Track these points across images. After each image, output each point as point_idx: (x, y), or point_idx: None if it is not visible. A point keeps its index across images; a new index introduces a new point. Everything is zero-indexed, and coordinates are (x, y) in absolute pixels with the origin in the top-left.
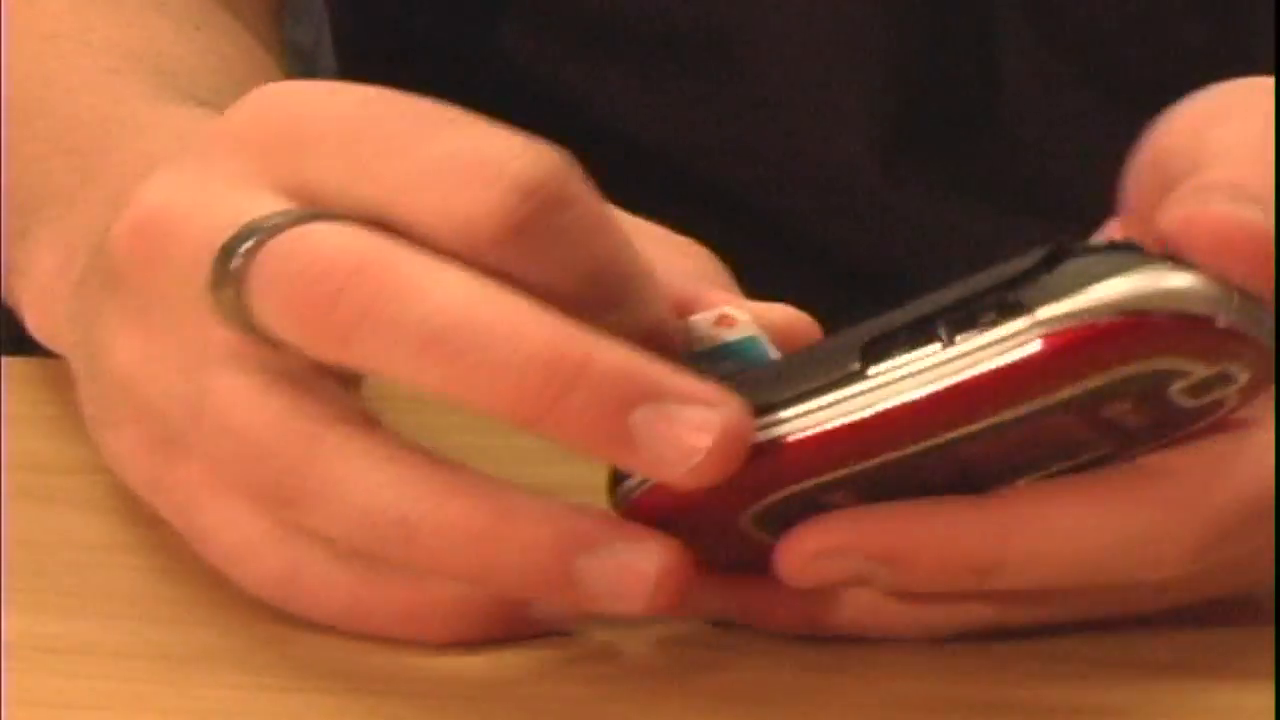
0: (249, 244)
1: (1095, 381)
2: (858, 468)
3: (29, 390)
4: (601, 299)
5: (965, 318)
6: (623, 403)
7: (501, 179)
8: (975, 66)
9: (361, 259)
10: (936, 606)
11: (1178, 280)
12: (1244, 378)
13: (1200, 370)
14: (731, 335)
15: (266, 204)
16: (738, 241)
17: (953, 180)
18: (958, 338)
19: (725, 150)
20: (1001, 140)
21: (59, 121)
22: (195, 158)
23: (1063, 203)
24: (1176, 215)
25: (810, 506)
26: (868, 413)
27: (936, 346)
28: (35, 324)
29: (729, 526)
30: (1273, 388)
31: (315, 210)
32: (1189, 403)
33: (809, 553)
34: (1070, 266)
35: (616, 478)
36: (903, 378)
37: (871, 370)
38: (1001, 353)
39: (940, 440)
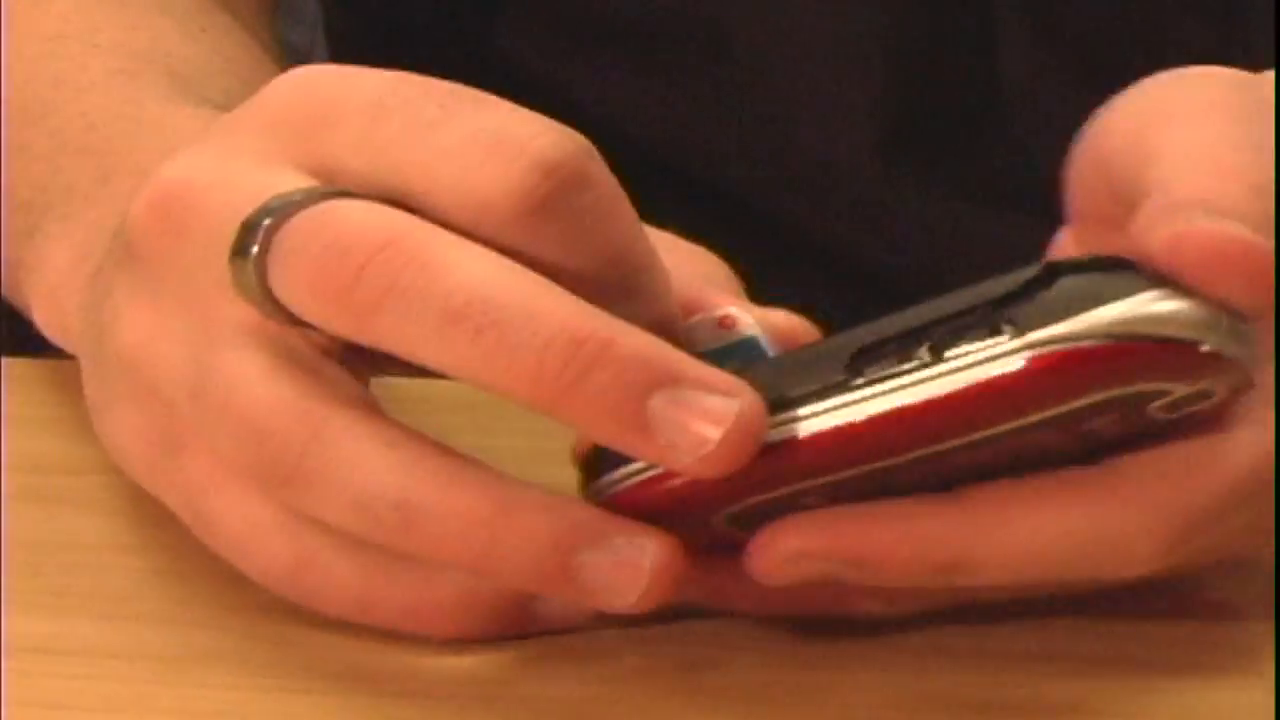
0: (272, 218)
1: (1079, 402)
2: (836, 476)
3: (28, 391)
4: (613, 286)
5: (955, 333)
6: (642, 387)
7: (522, 157)
8: (975, 66)
9: (388, 235)
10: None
11: (1165, 305)
12: (1222, 392)
13: (1181, 390)
14: (733, 336)
15: (289, 180)
16: (737, 241)
17: (952, 180)
18: (947, 353)
19: (724, 149)
20: (1001, 140)
21: (69, 121)
22: (219, 136)
23: (1062, 202)
24: (1163, 235)
25: (786, 509)
26: (850, 423)
27: (924, 361)
28: (44, 319)
29: (702, 525)
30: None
31: (339, 188)
32: (1166, 416)
33: (780, 556)
34: (1062, 285)
35: (591, 472)
36: (888, 391)
37: (858, 381)
38: (988, 372)
39: (920, 453)
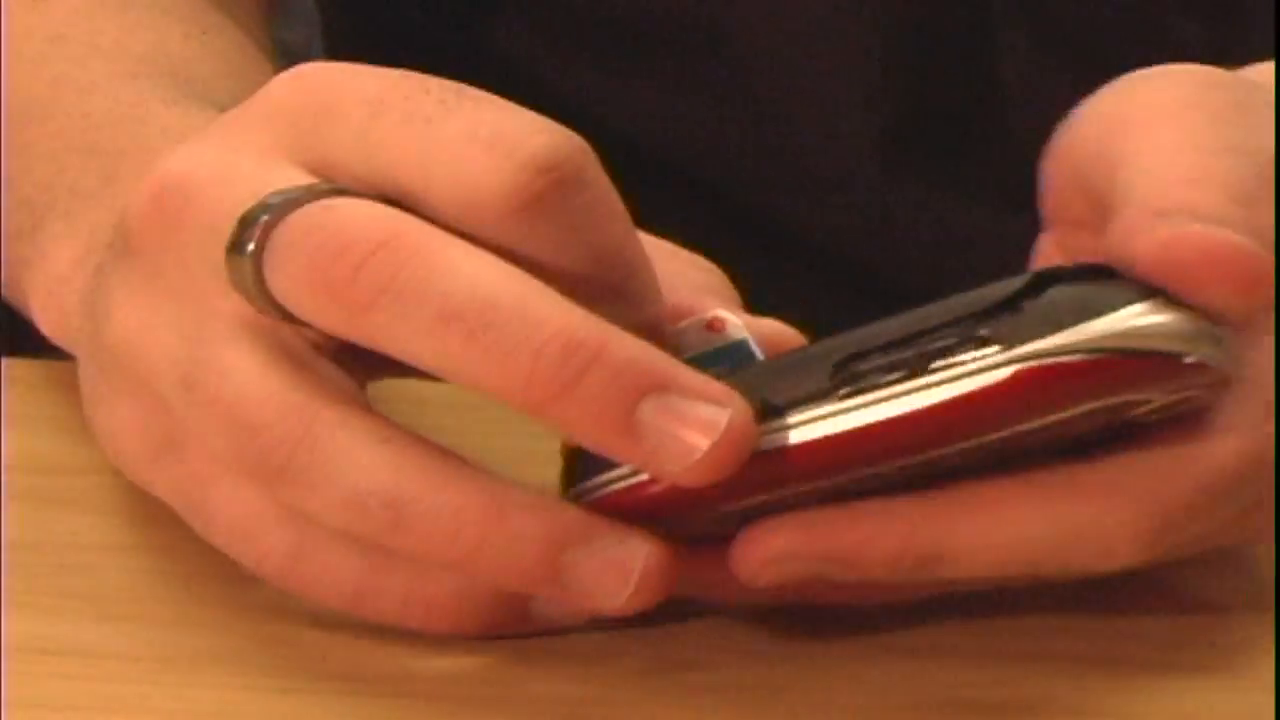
0: (270, 214)
1: (1064, 414)
2: (821, 483)
3: (27, 391)
4: (603, 287)
5: (943, 344)
6: (633, 393)
7: (518, 154)
8: (973, 66)
9: (387, 233)
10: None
11: (1151, 319)
12: (1202, 395)
13: (1164, 398)
14: (721, 339)
15: (288, 176)
16: (735, 241)
17: (951, 180)
18: (934, 365)
19: (722, 149)
20: (1000, 140)
21: (72, 121)
22: (220, 131)
23: None
24: (1151, 241)
25: (772, 510)
26: (837, 433)
27: (912, 372)
28: (43, 317)
29: (682, 528)
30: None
31: (339, 186)
32: (1147, 420)
33: (763, 557)
34: (1049, 296)
35: (571, 474)
36: (875, 402)
37: (845, 390)
38: (975, 385)
39: (905, 462)
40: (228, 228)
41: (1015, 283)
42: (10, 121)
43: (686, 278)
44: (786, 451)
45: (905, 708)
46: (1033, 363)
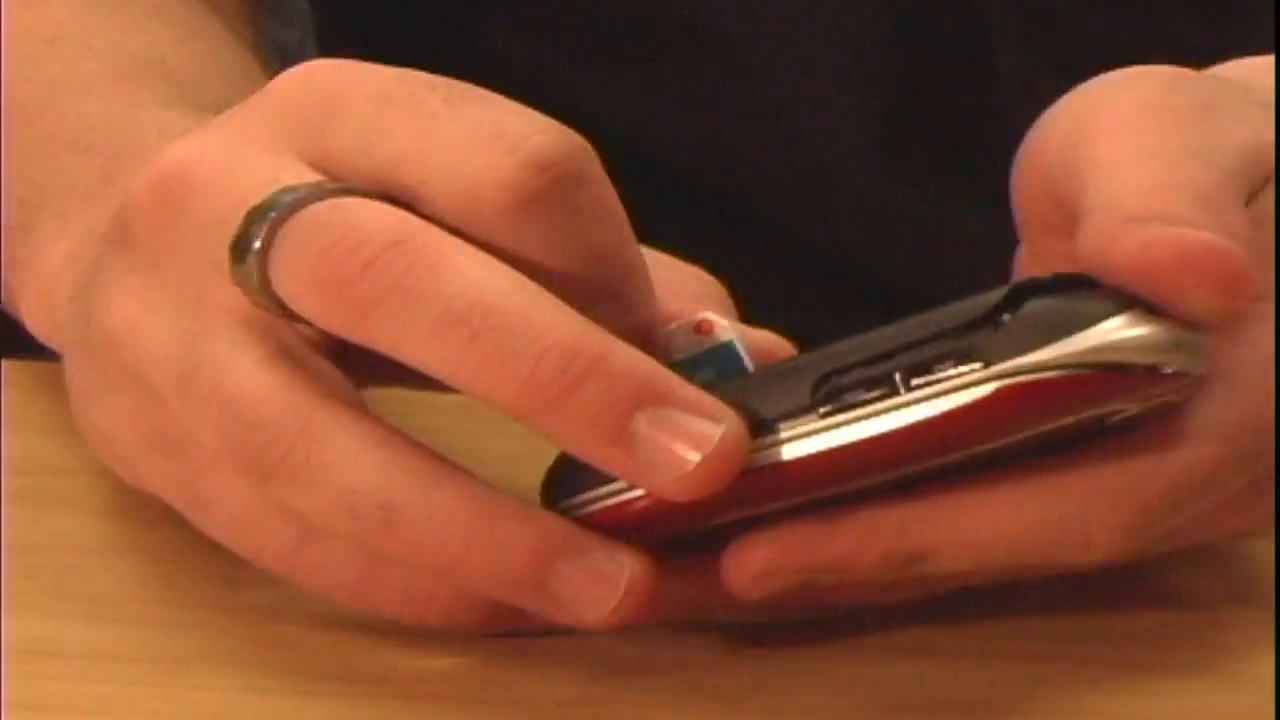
0: (278, 211)
1: (1044, 427)
2: (805, 498)
3: (20, 393)
4: (598, 288)
5: (925, 360)
6: (628, 404)
7: (519, 151)
8: (970, 66)
9: (396, 235)
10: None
11: (1131, 332)
12: (1177, 399)
13: (1141, 406)
14: (710, 341)
15: (293, 172)
16: (734, 242)
17: (948, 180)
18: (916, 381)
19: (721, 151)
20: (998, 140)
21: (67, 122)
22: (226, 123)
23: None
24: (1129, 245)
25: (751, 524)
26: (822, 450)
27: (895, 389)
28: (33, 315)
29: (665, 540)
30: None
31: (345, 185)
32: (1121, 423)
33: (751, 573)
34: (1028, 310)
35: (553, 486)
36: (859, 419)
37: (829, 408)
38: (957, 401)
39: (883, 477)
40: (231, 222)
41: (993, 296)
42: (9, 121)
43: (683, 286)
44: (771, 468)
45: (894, 708)
46: (1013, 380)
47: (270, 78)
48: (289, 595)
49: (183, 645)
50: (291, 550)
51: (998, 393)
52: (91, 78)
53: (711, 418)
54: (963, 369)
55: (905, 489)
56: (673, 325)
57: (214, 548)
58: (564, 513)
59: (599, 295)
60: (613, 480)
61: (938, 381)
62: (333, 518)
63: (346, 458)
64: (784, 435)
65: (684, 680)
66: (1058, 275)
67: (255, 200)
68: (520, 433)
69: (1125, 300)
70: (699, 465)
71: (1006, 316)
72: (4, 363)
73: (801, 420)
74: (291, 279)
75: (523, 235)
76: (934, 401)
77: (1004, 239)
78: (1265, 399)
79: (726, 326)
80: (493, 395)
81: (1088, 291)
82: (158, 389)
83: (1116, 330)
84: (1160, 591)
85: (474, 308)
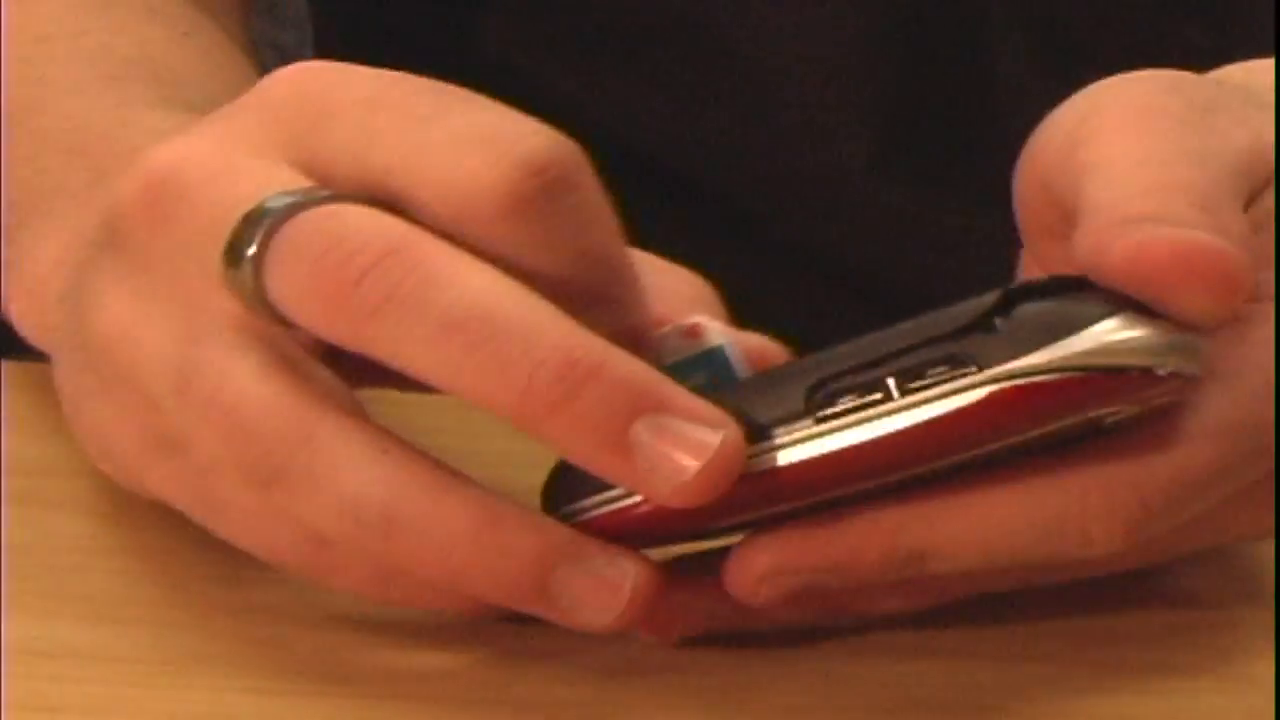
0: (272, 218)
1: (1039, 430)
2: (803, 503)
3: (17, 394)
4: (588, 292)
5: (918, 365)
6: (627, 411)
7: (509, 156)
8: (967, 67)
9: (393, 243)
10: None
11: (1125, 334)
12: (1173, 402)
13: (1136, 408)
14: (700, 345)
15: (284, 176)
16: (727, 242)
17: (944, 181)
18: (910, 386)
19: (717, 152)
20: (993, 141)
21: (55, 122)
22: (214, 125)
23: None
24: (1123, 246)
25: (751, 529)
26: (819, 456)
27: (889, 394)
28: (21, 316)
29: (669, 546)
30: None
31: (337, 191)
32: (1118, 424)
33: (755, 576)
34: (1021, 313)
35: (552, 492)
36: (854, 424)
37: (825, 413)
38: (952, 406)
39: (880, 481)
40: (224, 228)
41: (987, 300)
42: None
43: (674, 290)
44: (768, 474)
45: (893, 709)
46: (1007, 383)
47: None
48: (288, 596)
49: (180, 646)
50: (305, 551)
51: (991, 397)
52: (80, 78)
53: (710, 425)
54: (956, 373)
55: (904, 491)
56: (664, 329)
57: (212, 548)
58: (565, 518)
59: (589, 299)
60: (613, 486)
61: (931, 386)
62: (336, 526)
63: (349, 467)
64: (781, 441)
65: (680, 681)
66: (1051, 278)
67: (247, 207)
68: (509, 432)
69: (1119, 302)
70: (698, 473)
71: (1000, 320)
72: (4, 363)
73: (797, 426)
74: (286, 287)
75: (513, 239)
76: (928, 406)
77: (1001, 240)
78: (1265, 399)
79: (717, 330)
80: (491, 403)
81: (1081, 294)
82: (154, 394)
83: (1110, 333)
84: (1160, 592)
85: (470, 317)
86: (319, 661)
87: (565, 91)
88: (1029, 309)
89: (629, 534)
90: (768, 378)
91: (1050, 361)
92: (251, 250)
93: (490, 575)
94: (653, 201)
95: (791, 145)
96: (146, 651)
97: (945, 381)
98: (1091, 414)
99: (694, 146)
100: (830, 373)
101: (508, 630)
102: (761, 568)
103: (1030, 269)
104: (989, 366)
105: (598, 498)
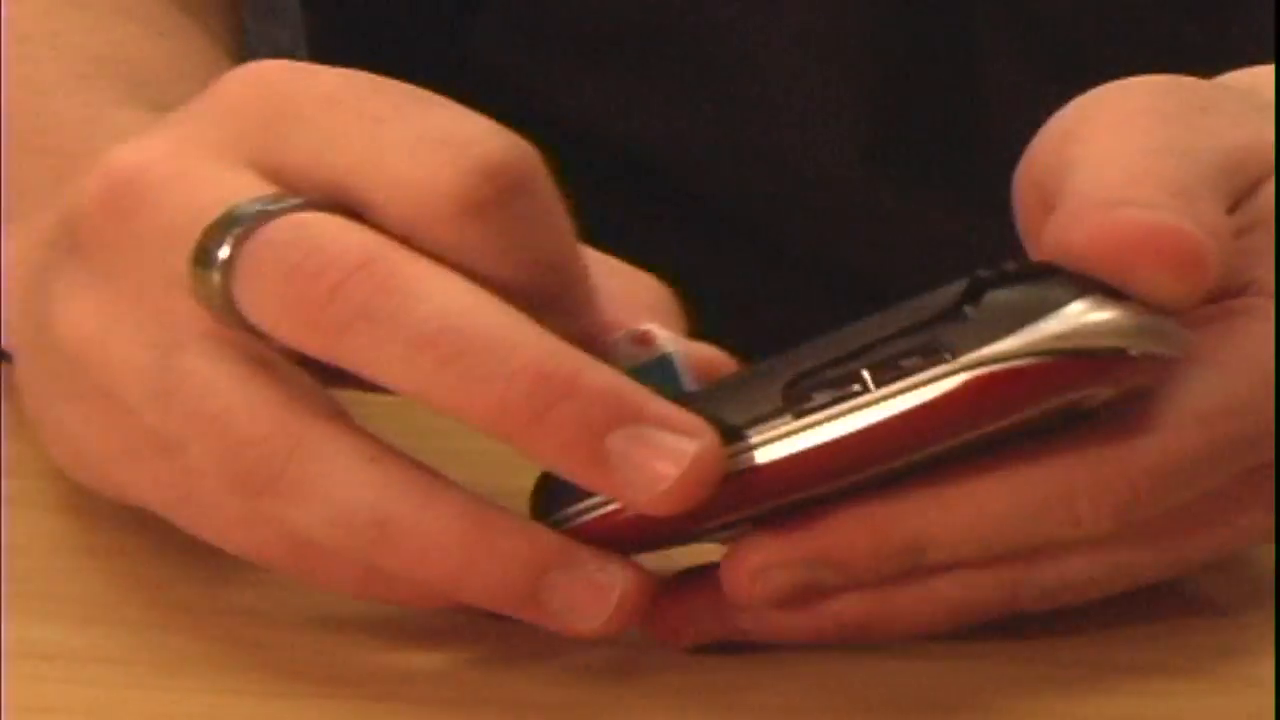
0: (242, 226)
1: (1017, 416)
2: (787, 500)
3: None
4: (541, 297)
5: (892, 357)
6: (603, 423)
7: (465, 158)
8: (959, 71)
9: (365, 256)
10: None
11: (1096, 316)
12: (1150, 382)
13: (1112, 391)
14: (650, 352)
15: (246, 181)
16: (719, 243)
17: (937, 185)
18: (885, 378)
19: (707, 155)
20: (986, 145)
21: (26, 122)
22: (172, 126)
23: None
24: (1087, 228)
25: (739, 528)
26: (798, 452)
27: (864, 387)
28: None
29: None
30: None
31: (303, 199)
32: (1097, 409)
33: (750, 571)
34: (991, 300)
35: (541, 499)
36: (831, 419)
37: (801, 409)
38: (928, 396)
39: (862, 475)
40: (188, 235)
41: (955, 289)
42: None
43: (631, 294)
44: (750, 473)
45: (886, 709)
46: (982, 369)
47: None
48: (280, 597)
49: (172, 647)
50: (293, 554)
51: (966, 385)
52: (53, 77)
53: (686, 433)
54: (930, 363)
55: (892, 484)
56: (616, 335)
57: (207, 550)
58: (553, 525)
59: (542, 303)
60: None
61: (906, 377)
62: (326, 534)
63: (338, 475)
64: (759, 440)
65: (676, 681)
66: (1020, 264)
67: (213, 215)
68: None
69: (1088, 286)
70: (676, 481)
71: (969, 308)
72: (2, 366)
73: (776, 424)
74: (258, 299)
75: (468, 242)
76: (904, 397)
77: (989, 240)
78: (1255, 387)
79: (667, 339)
80: (467, 417)
81: (1049, 279)
82: (129, 401)
83: (1080, 315)
84: (1160, 593)
85: (443, 331)
86: (316, 663)
87: (556, 93)
88: (998, 295)
89: (617, 539)
90: (745, 377)
91: (1022, 345)
92: (224, 254)
93: (480, 581)
94: (644, 203)
95: (782, 147)
96: (140, 653)
97: (920, 371)
98: (1069, 397)
99: (685, 148)
100: (805, 369)
101: (503, 631)
102: (753, 564)
103: None
104: (962, 354)
105: (585, 504)
